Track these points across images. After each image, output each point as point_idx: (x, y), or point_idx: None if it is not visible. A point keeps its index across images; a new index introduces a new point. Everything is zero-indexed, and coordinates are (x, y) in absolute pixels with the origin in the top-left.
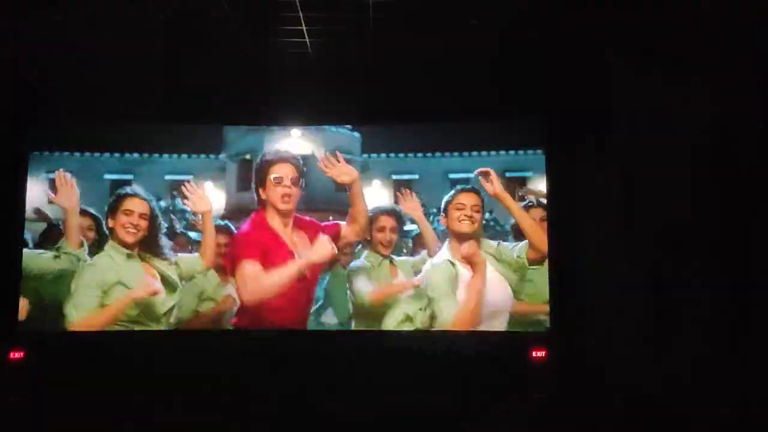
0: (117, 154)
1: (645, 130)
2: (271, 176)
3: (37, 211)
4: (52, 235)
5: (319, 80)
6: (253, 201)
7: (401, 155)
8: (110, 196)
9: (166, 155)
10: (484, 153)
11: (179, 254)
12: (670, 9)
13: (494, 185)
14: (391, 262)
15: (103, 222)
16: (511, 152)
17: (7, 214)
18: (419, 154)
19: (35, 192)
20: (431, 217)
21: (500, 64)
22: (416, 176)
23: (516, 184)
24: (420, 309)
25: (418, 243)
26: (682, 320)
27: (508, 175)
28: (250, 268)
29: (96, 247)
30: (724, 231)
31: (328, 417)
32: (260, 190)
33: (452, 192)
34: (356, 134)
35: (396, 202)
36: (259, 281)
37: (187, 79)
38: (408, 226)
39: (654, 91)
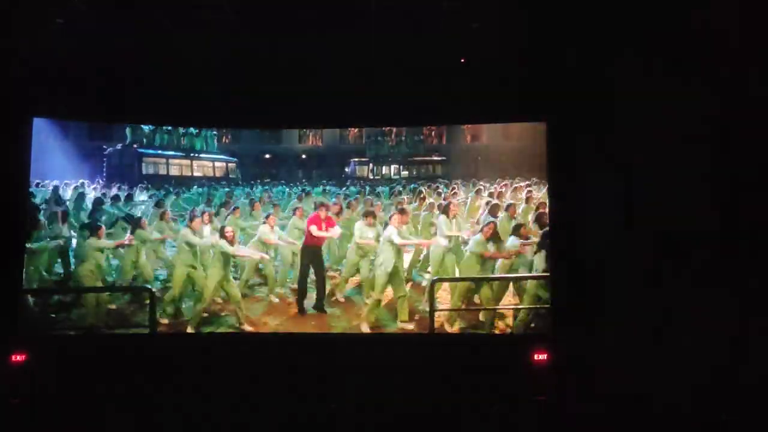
0: None
1: (645, 131)
2: None
3: None
4: None
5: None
6: None
7: None
8: None
9: None
10: None
11: None
12: (670, 11)
13: None
14: None
15: None
16: None
17: (10, 228)
18: None
19: None
20: None
21: (501, 68)
22: None
23: None
24: None
25: None
26: (683, 322)
27: None
28: None
29: None
30: (725, 231)
31: (330, 417)
32: None
33: None
34: None
35: None
36: None
37: None
38: None
39: (654, 92)
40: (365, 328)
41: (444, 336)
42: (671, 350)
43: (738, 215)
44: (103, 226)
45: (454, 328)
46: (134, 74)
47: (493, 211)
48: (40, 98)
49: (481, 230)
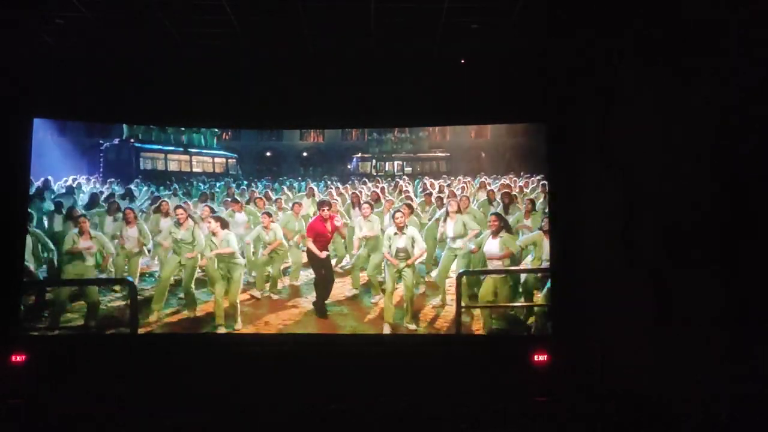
0: None
1: (646, 131)
2: None
3: None
4: None
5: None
6: None
7: None
8: None
9: None
10: None
11: None
12: (671, 12)
13: None
14: None
15: None
16: None
17: (10, 229)
18: None
19: None
20: None
21: (502, 70)
22: None
23: None
24: None
25: None
26: (683, 323)
27: None
28: None
29: None
30: (725, 232)
31: (330, 418)
32: None
33: None
34: None
35: None
36: None
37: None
38: None
39: (653, 93)
40: (387, 329)
41: (443, 336)
42: (672, 350)
43: (739, 214)
44: (87, 220)
45: (479, 329)
46: (134, 74)
47: (505, 199)
48: (40, 98)
49: (488, 225)
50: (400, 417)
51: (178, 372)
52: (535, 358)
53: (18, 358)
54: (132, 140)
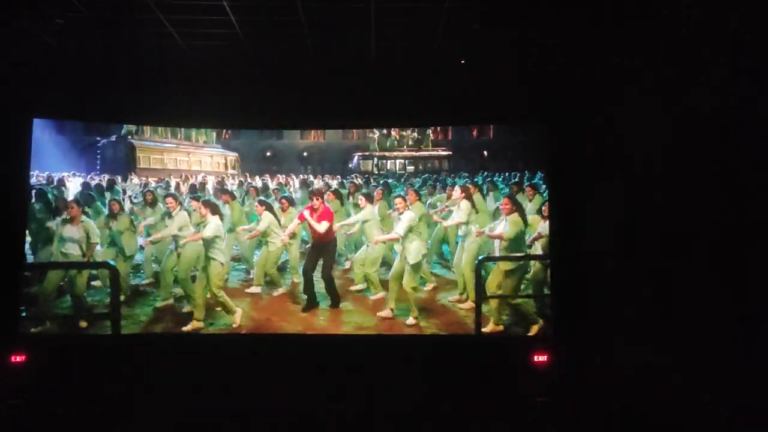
0: None
1: (646, 132)
2: None
3: None
4: None
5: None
6: None
7: None
8: None
9: None
10: None
11: None
12: (670, 14)
13: None
14: None
15: None
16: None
17: (10, 227)
18: None
19: None
20: None
21: (502, 69)
22: None
23: None
24: None
25: None
26: (684, 325)
27: None
28: None
29: None
30: (725, 233)
31: (331, 418)
32: None
33: None
34: None
35: None
36: None
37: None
38: None
39: (654, 93)
40: (385, 313)
41: (443, 336)
42: (672, 350)
43: (739, 215)
44: (75, 205)
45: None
46: (134, 74)
47: (513, 188)
48: (40, 98)
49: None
50: (400, 417)
51: (177, 371)
52: (535, 358)
53: (18, 358)
54: (129, 137)
